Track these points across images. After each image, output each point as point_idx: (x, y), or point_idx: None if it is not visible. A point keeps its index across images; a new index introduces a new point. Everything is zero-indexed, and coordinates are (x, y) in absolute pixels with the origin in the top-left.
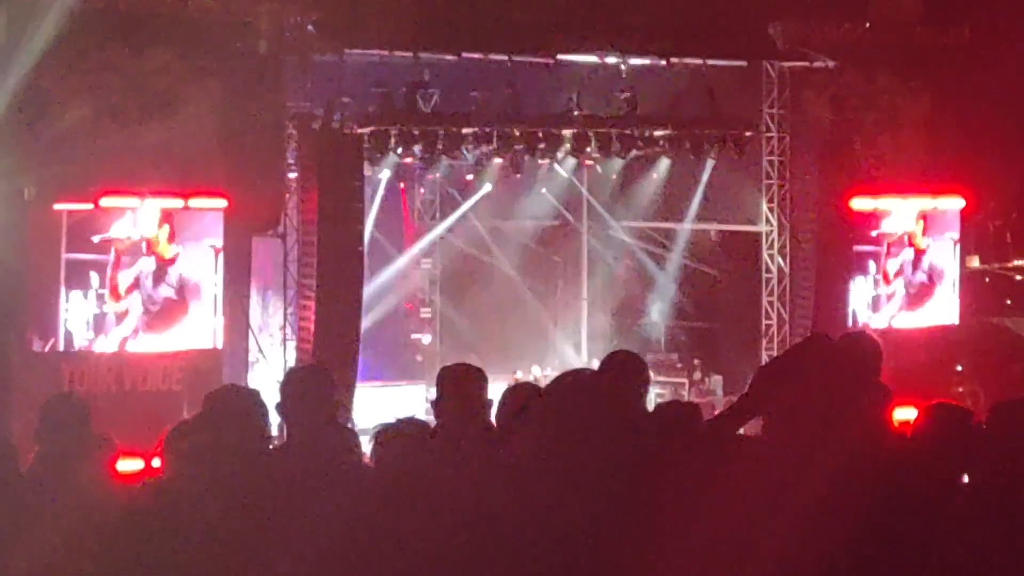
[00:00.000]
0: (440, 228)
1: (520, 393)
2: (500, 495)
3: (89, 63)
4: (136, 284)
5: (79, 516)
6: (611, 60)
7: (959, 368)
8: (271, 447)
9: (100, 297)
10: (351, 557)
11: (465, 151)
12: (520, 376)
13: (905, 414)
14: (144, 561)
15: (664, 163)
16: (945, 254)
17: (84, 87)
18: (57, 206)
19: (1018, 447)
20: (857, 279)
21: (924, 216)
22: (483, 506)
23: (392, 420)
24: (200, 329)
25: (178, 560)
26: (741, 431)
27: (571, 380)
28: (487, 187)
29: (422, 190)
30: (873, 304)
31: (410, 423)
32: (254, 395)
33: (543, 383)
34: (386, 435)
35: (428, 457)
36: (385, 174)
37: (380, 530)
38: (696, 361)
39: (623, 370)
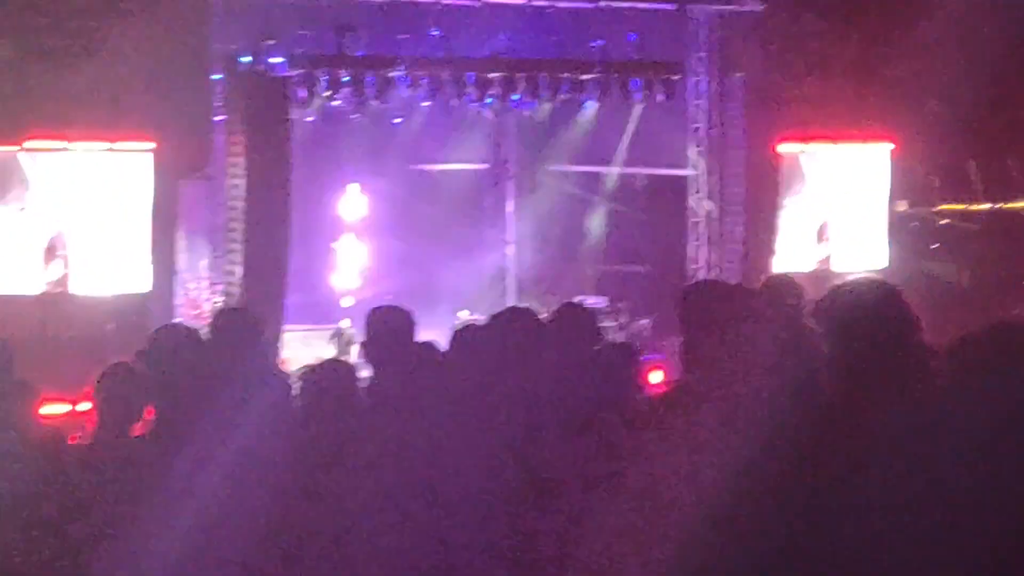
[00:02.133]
0: (365, 172)
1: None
2: (437, 433)
3: (12, 2)
4: None
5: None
6: (539, 3)
7: None
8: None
9: None
10: (283, 497)
11: (393, 94)
12: (466, 315)
13: None
14: (66, 502)
15: (592, 107)
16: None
17: (7, 27)
18: None
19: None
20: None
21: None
22: (418, 446)
23: (317, 362)
24: (127, 273)
25: (102, 502)
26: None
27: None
28: (414, 130)
29: (348, 134)
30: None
31: (335, 364)
32: (193, 334)
33: None
34: (312, 377)
35: (355, 398)
36: (311, 117)
37: (306, 472)
38: (623, 304)
39: (573, 322)
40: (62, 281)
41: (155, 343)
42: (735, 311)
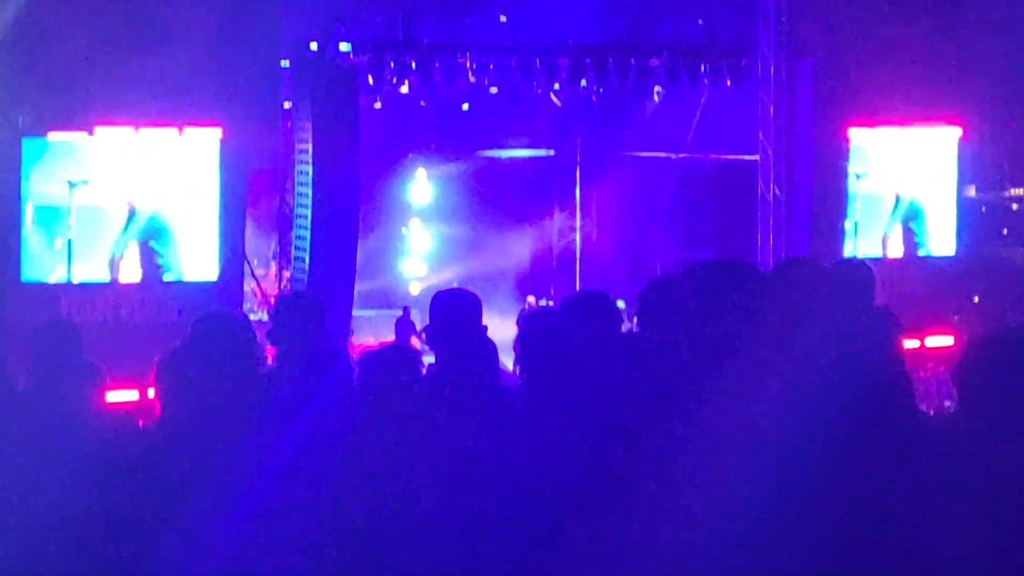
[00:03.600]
0: (432, 158)
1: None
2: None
3: None
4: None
5: (66, 443)
6: None
7: (976, 299)
8: (261, 373)
9: None
10: (341, 484)
11: (461, 80)
12: (533, 301)
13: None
14: (132, 488)
15: (659, 92)
16: (942, 183)
17: (78, 16)
18: (51, 135)
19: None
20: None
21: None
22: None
23: (378, 346)
24: (196, 260)
25: (164, 487)
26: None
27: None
28: (481, 116)
29: (416, 120)
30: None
31: (397, 349)
32: (241, 320)
33: None
34: (372, 362)
35: (417, 384)
36: (379, 103)
37: (365, 458)
38: None
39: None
40: (133, 269)
41: (205, 328)
42: (814, 291)
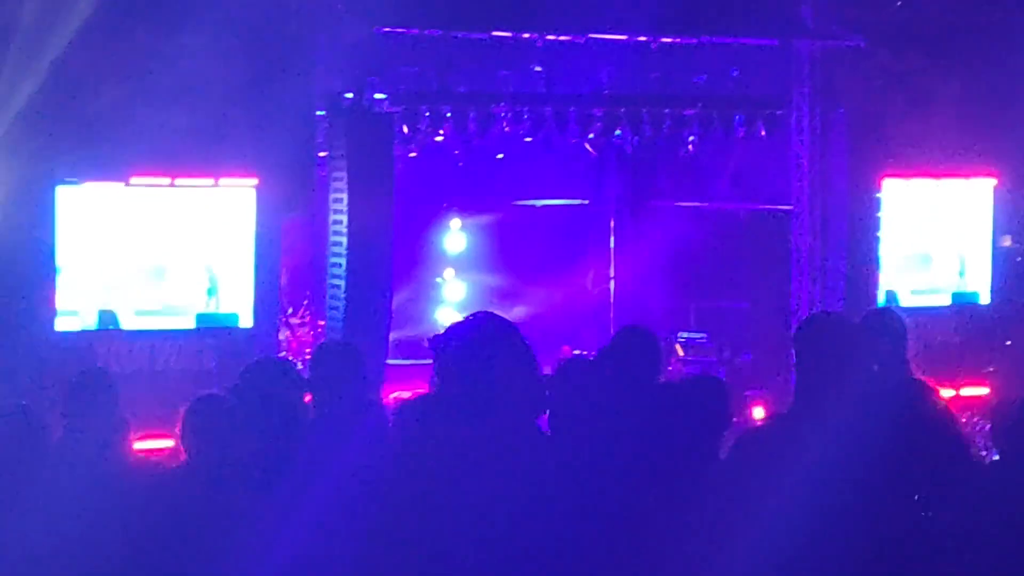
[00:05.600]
0: (467, 207)
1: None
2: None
3: (119, 44)
4: None
5: (95, 494)
6: (641, 38)
7: (1008, 343)
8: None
9: None
10: (375, 532)
11: (495, 130)
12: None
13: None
14: (158, 538)
15: (693, 141)
16: (977, 233)
17: (114, 68)
18: (86, 185)
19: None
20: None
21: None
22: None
23: (410, 395)
24: (231, 309)
25: (198, 534)
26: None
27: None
28: (515, 166)
29: (450, 169)
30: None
31: (429, 398)
32: (288, 369)
33: None
34: (405, 411)
35: (446, 429)
36: (413, 153)
37: (401, 505)
38: (725, 339)
39: (631, 348)
40: (168, 317)
41: (248, 377)
42: (846, 345)
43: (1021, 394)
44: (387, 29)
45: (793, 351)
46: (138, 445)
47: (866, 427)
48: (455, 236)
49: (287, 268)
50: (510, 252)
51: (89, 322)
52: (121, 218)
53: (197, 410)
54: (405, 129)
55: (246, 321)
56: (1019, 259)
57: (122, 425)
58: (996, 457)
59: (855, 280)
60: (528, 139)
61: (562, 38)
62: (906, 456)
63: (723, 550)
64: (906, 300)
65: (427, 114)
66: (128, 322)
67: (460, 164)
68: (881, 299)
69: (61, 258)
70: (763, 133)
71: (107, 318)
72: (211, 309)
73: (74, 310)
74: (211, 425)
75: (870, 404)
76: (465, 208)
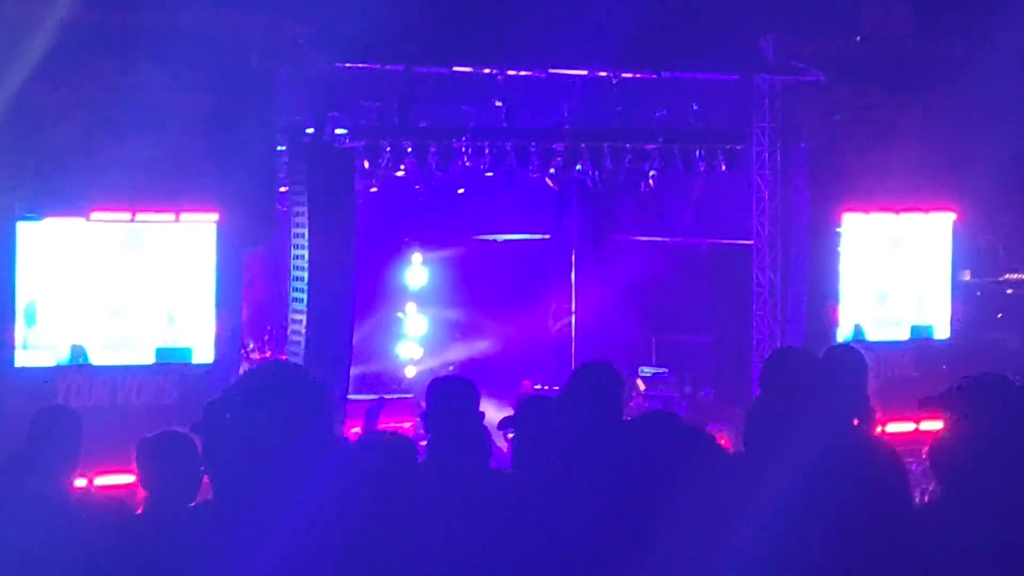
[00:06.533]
0: (428, 242)
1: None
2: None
3: (80, 77)
4: None
5: (53, 531)
6: (602, 74)
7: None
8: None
9: None
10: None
11: (456, 165)
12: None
13: (898, 428)
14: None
15: (653, 176)
16: (937, 268)
17: (75, 101)
18: (46, 220)
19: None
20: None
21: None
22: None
23: (374, 431)
24: (191, 344)
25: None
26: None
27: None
28: (476, 200)
29: (412, 204)
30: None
31: (393, 435)
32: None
33: None
34: (368, 446)
35: (414, 469)
36: (375, 187)
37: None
38: (687, 374)
39: (593, 384)
40: (128, 351)
41: (210, 412)
42: (807, 380)
43: (959, 429)
44: (348, 64)
45: (757, 385)
46: (99, 481)
47: (817, 467)
48: (416, 271)
49: (248, 302)
50: (472, 286)
51: (62, 356)
52: (82, 253)
53: (152, 447)
54: (366, 164)
55: (207, 355)
56: (978, 293)
57: (61, 461)
58: (937, 494)
59: (816, 314)
60: (489, 173)
61: (523, 73)
62: (853, 497)
63: None
64: (866, 336)
65: (388, 149)
66: (96, 357)
67: (421, 199)
68: (848, 332)
69: (28, 294)
70: (724, 167)
71: (77, 352)
72: (171, 344)
73: (49, 345)
74: (167, 461)
75: (824, 444)
76: (426, 242)
